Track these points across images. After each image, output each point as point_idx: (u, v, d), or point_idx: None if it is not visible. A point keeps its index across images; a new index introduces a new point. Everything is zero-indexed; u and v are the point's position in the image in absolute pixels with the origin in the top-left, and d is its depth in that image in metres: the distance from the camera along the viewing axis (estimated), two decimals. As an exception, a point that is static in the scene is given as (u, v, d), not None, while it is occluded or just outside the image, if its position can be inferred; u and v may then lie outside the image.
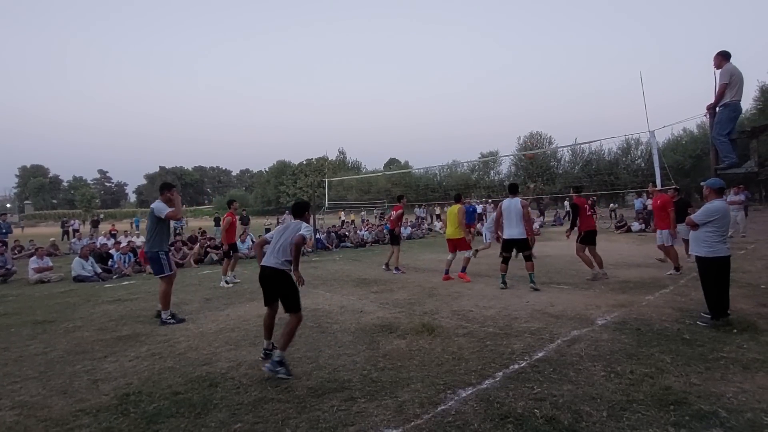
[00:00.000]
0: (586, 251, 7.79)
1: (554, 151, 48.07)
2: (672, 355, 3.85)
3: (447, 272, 8.24)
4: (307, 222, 4.27)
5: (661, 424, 2.71)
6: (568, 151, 47.38)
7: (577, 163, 46.98)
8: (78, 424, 3.00)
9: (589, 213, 8.02)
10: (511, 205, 7.10)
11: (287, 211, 26.87)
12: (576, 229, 7.95)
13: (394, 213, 9.95)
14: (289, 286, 3.96)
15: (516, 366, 3.74)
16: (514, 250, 7.32)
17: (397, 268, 9.35)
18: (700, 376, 3.39)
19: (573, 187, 9.20)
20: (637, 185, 32.25)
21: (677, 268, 7.80)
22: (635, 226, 17.54)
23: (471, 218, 15.21)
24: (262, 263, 4.06)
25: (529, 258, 7.11)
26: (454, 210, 8.31)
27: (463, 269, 8.08)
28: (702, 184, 5.02)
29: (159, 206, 5.79)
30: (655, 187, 8.89)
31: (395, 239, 9.65)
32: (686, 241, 8.12)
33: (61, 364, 4.27)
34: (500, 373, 3.59)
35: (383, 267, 9.69)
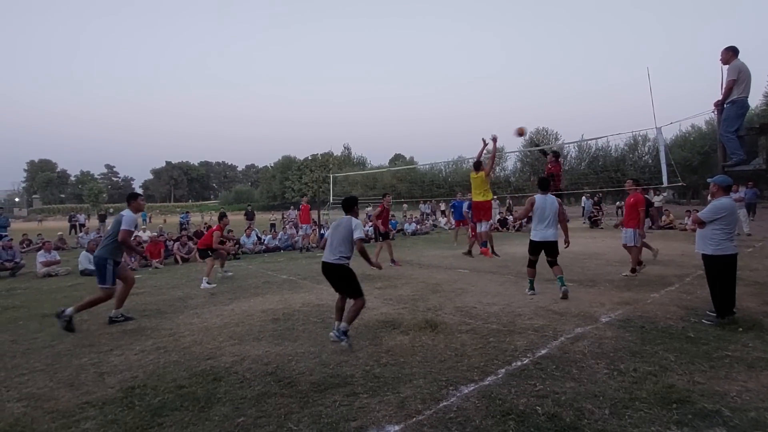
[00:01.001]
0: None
1: (561, 147, 47.75)
2: (676, 353, 3.84)
3: (485, 245, 8.35)
4: (356, 216, 4.70)
5: (664, 423, 2.70)
6: (574, 148, 47.12)
7: (584, 159, 46.69)
8: (84, 416, 3.04)
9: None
10: (547, 202, 6.17)
11: (292, 207, 26.91)
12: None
13: (377, 210, 10.27)
14: (348, 276, 4.45)
15: (519, 363, 3.74)
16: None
17: (393, 261, 9.62)
18: (704, 375, 3.37)
19: (632, 179, 8.64)
20: (645, 182, 31.98)
21: (633, 270, 7.53)
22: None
23: (460, 214, 14.51)
24: (322, 260, 4.56)
25: (555, 263, 6.27)
26: (480, 176, 8.63)
27: (485, 244, 8.25)
28: (709, 181, 4.97)
29: (129, 218, 5.63)
30: (636, 184, 8.47)
31: (384, 235, 9.98)
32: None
33: (68, 356, 4.33)
34: (503, 370, 3.60)
35: (390, 263, 9.72)
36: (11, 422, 2.99)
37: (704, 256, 4.80)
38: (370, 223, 13.15)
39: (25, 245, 14.45)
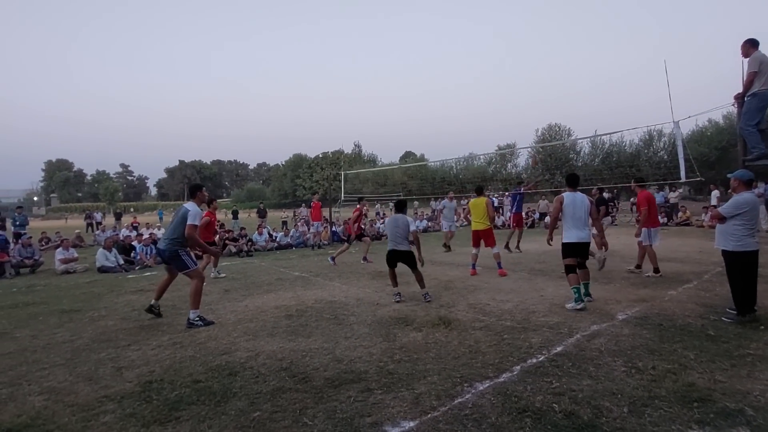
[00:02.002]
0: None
1: (573, 144, 47.20)
2: (696, 351, 3.76)
3: (474, 267, 8.13)
4: (405, 213, 6.49)
5: (684, 421, 2.65)
6: (587, 143, 46.50)
7: (597, 155, 46.06)
8: (103, 410, 3.09)
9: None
10: (577, 200, 5.62)
11: (303, 204, 27.02)
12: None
13: (353, 215, 10.92)
14: (411, 257, 6.22)
15: (534, 360, 3.70)
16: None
17: (365, 258, 10.37)
18: (725, 373, 3.30)
19: (635, 179, 8.42)
20: (660, 178, 31.45)
21: (656, 270, 7.24)
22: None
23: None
24: (393, 248, 6.27)
25: (584, 265, 5.65)
26: (481, 203, 8.08)
27: (499, 265, 7.85)
28: (729, 176, 4.85)
29: (195, 212, 5.38)
30: (641, 184, 8.23)
31: (358, 236, 10.71)
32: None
33: (87, 351, 4.40)
34: (518, 367, 3.57)
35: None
36: (33, 415, 3.04)
37: (724, 253, 4.69)
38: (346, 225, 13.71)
39: (44, 243, 14.75)
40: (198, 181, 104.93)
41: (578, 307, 5.24)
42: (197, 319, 5.20)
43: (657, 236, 7.51)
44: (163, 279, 5.74)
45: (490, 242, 7.92)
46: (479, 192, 8.33)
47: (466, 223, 16.56)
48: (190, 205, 5.41)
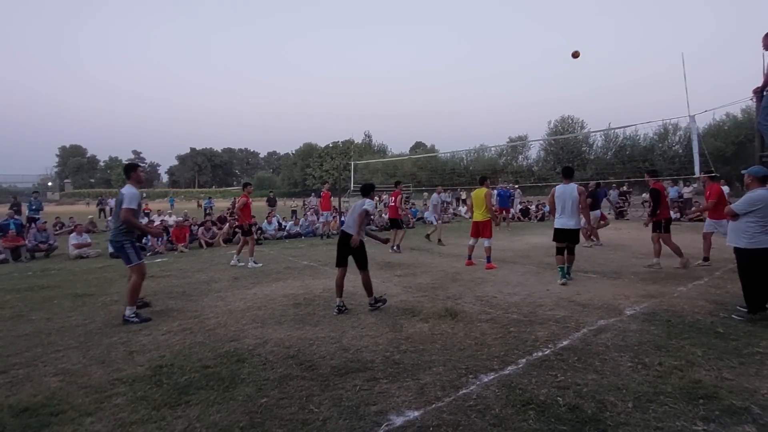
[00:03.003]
0: (670, 239, 7.53)
1: (586, 136, 46.60)
2: (704, 348, 3.74)
3: (470, 257, 8.20)
4: (372, 199, 5.42)
5: (689, 418, 2.65)
6: (600, 136, 45.87)
7: (610, 148, 45.48)
8: (115, 392, 3.17)
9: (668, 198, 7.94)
10: (566, 191, 6.40)
11: (313, 194, 27.13)
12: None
13: (394, 198, 10.67)
14: (361, 248, 5.17)
15: (539, 353, 3.71)
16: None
17: (398, 246, 10.13)
18: (732, 371, 3.28)
19: (648, 171, 8.42)
20: (674, 172, 30.96)
21: (706, 258, 7.61)
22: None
23: (505, 203, 16.58)
24: (342, 228, 5.37)
25: (572, 251, 6.52)
26: (481, 194, 8.06)
27: (488, 259, 7.85)
28: (743, 172, 4.77)
29: (130, 195, 5.00)
30: (655, 176, 8.11)
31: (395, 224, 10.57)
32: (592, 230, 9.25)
33: (99, 335, 4.50)
34: (523, 360, 3.58)
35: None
36: (48, 395, 3.14)
37: (737, 250, 4.63)
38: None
39: (57, 228, 15.03)
40: (209, 168, 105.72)
41: (560, 282, 6.29)
42: (133, 315, 4.93)
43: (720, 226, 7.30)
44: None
45: (487, 233, 8.01)
46: (482, 182, 8.35)
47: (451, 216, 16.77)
48: (125, 189, 5.06)
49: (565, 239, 6.45)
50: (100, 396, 3.12)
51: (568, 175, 6.64)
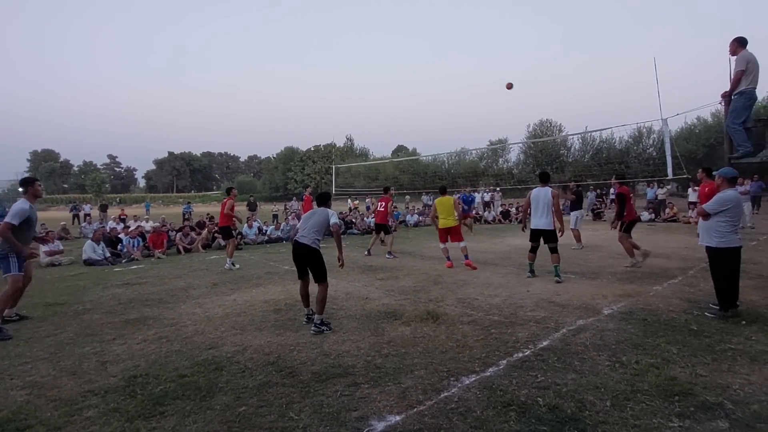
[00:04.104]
0: (627, 239, 7.94)
1: (564, 140, 47.51)
2: (678, 345, 3.82)
3: (449, 259, 8.40)
4: (331, 208, 5.14)
5: (666, 415, 2.70)
6: (578, 140, 46.84)
7: (588, 151, 46.50)
8: (86, 405, 3.05)
9: (632, 202, 8.19)
10: (540, 194, 6.84)
11: (294, 198, 26.91)
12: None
13: (384, 204, 10.50)
14: (318, 260, 4.73)
15: (520, 354, 3.74)
16: (542, 240, 6.88)
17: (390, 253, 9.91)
18: (706, 368, 3.36)
19: (616, 175, 9.02)
20: (648, 174, 31.82)
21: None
22: (645, 216, 17.34)
23: (467, 206, 16.95)
24: (296, 238, 4.89)
25: (555, 250, 6.79)
26: (450, 201, 8.57)
27: (467, 257, 8.13)
28: (714, 173, 4.92)
29: (15, 209, 4.98)
30: (621, 180, 8.75)
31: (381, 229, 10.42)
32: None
33: (71, 345, 4.35)
34: (504, 361, 3.59)
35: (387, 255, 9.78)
36: (15, 410, 3.00)
37: (708, 249, 4.76)
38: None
39: (28, 235, 14.50)
40: (187, 172, 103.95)
41: (527, 276, 6.98)
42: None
43: None
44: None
45: (458, 237, 8.44)
46: (443, 191, 8.85)
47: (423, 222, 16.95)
48: (16, 203, 5.10)
49: (539, 238, 6.92)
50: (70, 409, 3.00)
51: (544, 179, 7.09)
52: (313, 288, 4.77)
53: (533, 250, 7.04)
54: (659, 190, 19.56)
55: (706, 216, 4.73)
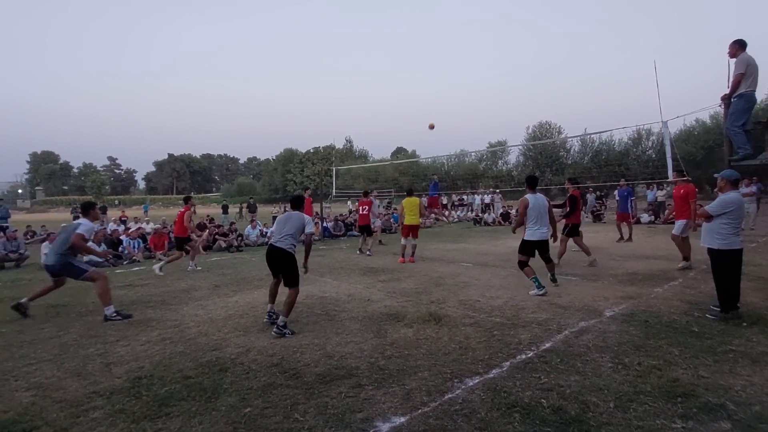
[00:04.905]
0: (566, 242, 8.37)
1: (563, 141, 47.56)
2: (680, 347, 3.84)
3: (403, 256, 9.45)
4: (303, 212, 5.15)
5: (669, 416, 2.71)
6: (577, 142, 46.88)
7: (587, 153, 46.49)
8: (92, 406, 3.07)
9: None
10: (539, 202, 6.16)
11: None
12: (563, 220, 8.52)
13: (367, 208, 11.51)
14: (292, 265, 4.76)
15: (523, 356, 3.75)
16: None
17: (369, 250, 10.91)
18: (708, 369, 3.38)
19: (570, 179, 9.31)
20: (648, 176, 31.87)
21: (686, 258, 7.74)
22: (645, 217, 17.37)
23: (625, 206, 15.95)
24: (272, 242, 4.91)
25: (549, 259, 6.39)
26: (416, 201, 9.75)
27: (413, 254, 9.49)
28: (716, 175, 4.94)
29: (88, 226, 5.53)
30: (575, 184, 9.04)
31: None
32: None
33: (75, 347, 4.36)
34: (507, 363, 3.61)
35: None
36: (20, 411, 3.01)
37: (710, 251, 4.79)
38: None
39: (29, 236, 14.51)
40: (187, 174, 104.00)
41: (540, 293, 5.90)
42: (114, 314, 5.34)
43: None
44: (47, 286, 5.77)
45: (416, 234, 9.67)
46: (410, 193, 10.08)
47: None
48: (83, 221, 5.57)
49: (535, 251, 6.20)
50: (76, 410, 3.01)
51: (534, 184, 6.35)
52: (284, 290, 4.80)
53: (528, 263, 6.19)
54: (659, 192, 19.60)
55: (708, 218, 4.76)
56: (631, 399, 2.94)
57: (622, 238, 11.71)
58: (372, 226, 12.56)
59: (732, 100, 5.73)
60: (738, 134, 5.69)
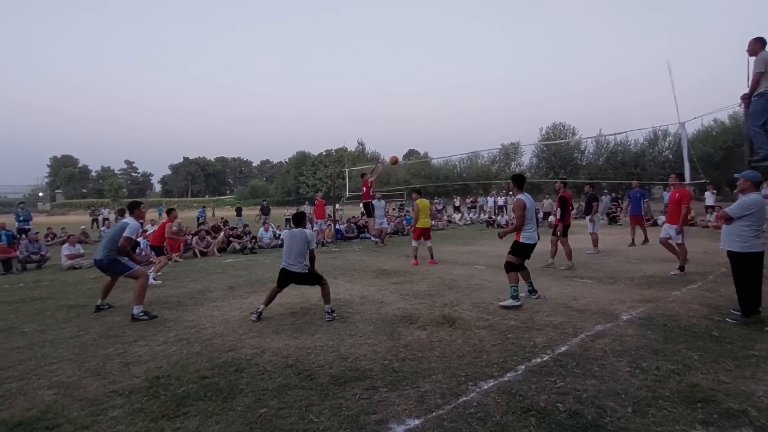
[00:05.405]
0: (567, 242, 8.45)
1: (578, 143, 47.04)
2: (700, 352, 3.77)
3: (416, 258, 9.43)
4: (305, 227, 5.56)
5: (689, 422, 2.67)
6: (592, 143, 46.29)
7: (602, 154, 45.88)
8: (112, 405, 3.13)
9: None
10: (531, 202, 5.74)
11: (306, 203, 27.09)
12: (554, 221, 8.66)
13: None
14: (307, 278, 5.35)
15: (538, 360, 3.72)
16: None
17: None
18: (729, 374, 3.31)
19: (562, 180, 9.27)
20: (664, 178, 31.36)
21: (682, 268, 7.41)
22: (662, 219, 17.05)
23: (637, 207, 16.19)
24: (285, 266, 5.36)
25: (524, 266, 5.87)
26: (426, 203, 9.84)
27: (432, 256, 9.48)
28: (737, 176, 4.84)
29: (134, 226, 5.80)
30: (565, 186, 9.11)
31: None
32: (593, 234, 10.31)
33: (94, 347, 4.45)
34: (522, 367, 3.58)
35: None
36: (43, 409, 3.09)
37: (730, 253, 4.69)
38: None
39: (49, 238, 14.85)
40: (202, 177, 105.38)
41: (517, 303, 5.45)
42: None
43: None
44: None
45: (428, 236, 9.74)
46: (420, 193, 10.19)
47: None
48: (130, 221, 5.87)
49: (529, 254, 5.77)
50: (96, 409, 3.08)
51: (522, 183, 5.87)
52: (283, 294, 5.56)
53: (522, 267, 5.76)
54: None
55: (729, 220, 4.66)
56: (649, 404, 2.89)
57: (633, 243, 11.47)
58: (379, 226, 13.35)
59: (752, 99, 5.61)
60: (759, 134, 5.56)
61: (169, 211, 9.38)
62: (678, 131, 9.51)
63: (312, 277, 5.33)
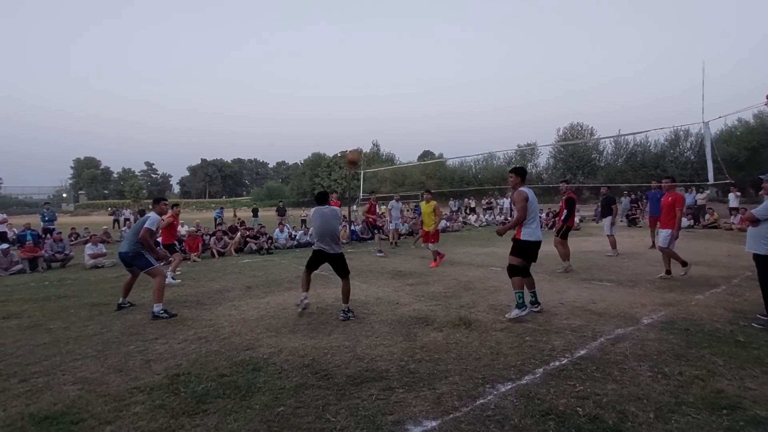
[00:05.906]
0: (566, 244, 8.33)
1: (596, 143, 46.31)
2: (724, 357, 3.67)
3: (435, 259, 9.40)
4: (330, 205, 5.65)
5: (713, 429, 2.60)
6: (610, 143, 45.49)
7: (621, 155, 45.05)
8: (133, 401, 3.20)
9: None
10: (534, 196, 5.14)
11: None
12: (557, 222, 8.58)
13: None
14: (342, 262, 5.45)
15: (557, 363, 3.67)
16: None
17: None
18: (755, 381, 3.22)
19: (565, 180, 9.15)
20: (686, 179, 30.63)
21: (668, 272, 7.30)
22: (684, 221, 16.68)
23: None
24: (318, 248, 5.51)
25: (529, 272, 5.31)
26: (427, 207, 9.70)
27: (435, 258, 9.44)
28: (762, 177, 4.71)
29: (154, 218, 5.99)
30: (568, 185, 8.97)
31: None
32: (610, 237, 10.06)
33: (117, 344, 4.55)
34: (540, 370, 3.54)
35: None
36: (68, 404, 3.17)
37: (756, 256, 4.56)
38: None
39: (73, 238, 15.25)
40: (219, 179, 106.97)
41: (524, 313, 4.92)
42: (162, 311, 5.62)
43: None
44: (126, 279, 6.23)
45: (428, 239, 9.66)
46: (431, 194, 10.12)
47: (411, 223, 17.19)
48: (152, 214, 6.10)
49: (533, 255, 5.17)
50: (118, 404, 3.15)
51: (524, 174, 5.32)
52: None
53: (523, 269, 5.10)
54: (698, 195, 18.82)
55: (754, 222, 4.54)
56: (672, 410, 2.83)
57: (654, 245, 11.22)
58: (393, 228, 13.67)
59: (779, 98, 5.46)
60: (786, 134, 5.41)
61: (172, 207, 9.60)
62: (701, 131, 9.27)
63: (344, 265, 5.45)
